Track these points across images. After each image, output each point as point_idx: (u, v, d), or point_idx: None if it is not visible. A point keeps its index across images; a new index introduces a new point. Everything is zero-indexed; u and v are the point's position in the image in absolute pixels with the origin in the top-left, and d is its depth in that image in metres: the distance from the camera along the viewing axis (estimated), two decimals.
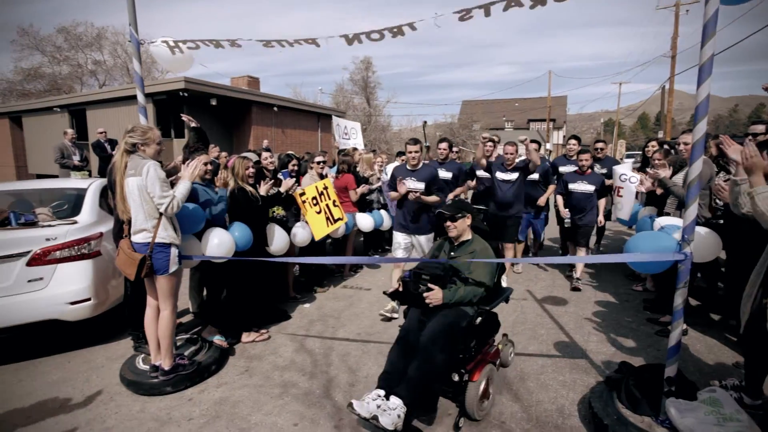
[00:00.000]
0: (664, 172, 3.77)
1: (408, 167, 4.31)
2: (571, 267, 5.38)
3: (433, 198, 4.17)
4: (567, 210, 5.09)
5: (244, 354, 3.54)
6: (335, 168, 5.77)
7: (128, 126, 2.82)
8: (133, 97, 13.58)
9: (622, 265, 5.99)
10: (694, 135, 2.07)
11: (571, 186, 5.09)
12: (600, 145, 5.84)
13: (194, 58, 3.38)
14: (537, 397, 2.85)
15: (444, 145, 5.48)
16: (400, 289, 2.76)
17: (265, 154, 4.13)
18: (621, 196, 4.80)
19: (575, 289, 4.97)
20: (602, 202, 5.16)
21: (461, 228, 2.91)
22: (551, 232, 7.02)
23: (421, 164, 4.27)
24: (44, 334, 3.57)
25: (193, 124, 3.86)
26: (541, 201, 5.61)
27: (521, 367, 3.26)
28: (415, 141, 4.29)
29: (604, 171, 5.45)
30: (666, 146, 4.77)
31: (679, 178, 3.77)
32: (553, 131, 37.36)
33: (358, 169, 5.52)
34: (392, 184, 4.32)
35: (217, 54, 3.35)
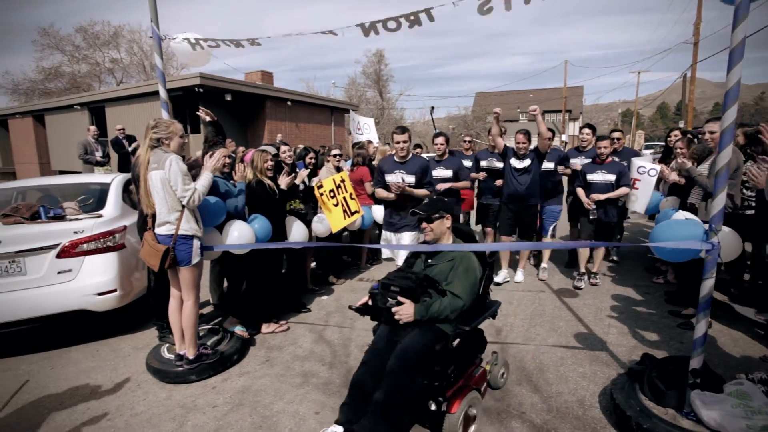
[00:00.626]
0: (688, 163, 3.68)
1: (396, 159, 3.90)
2: (581, 275, 4.85)
3: (423, 192, 3.78)
4: (590, 200, 4.62)
5: (265, 344, 3.61)
6: (350, 161, 5.78)
7: (151, 121, 2.88)
8: (150, 94, 13.78)
9: (641, 258, 5.90)
10: (723, 122, 2.02)
11: (590, 177, 4.71)
12: (617, 134, 5.31)
13: (212, 53, 3.43)
14: (557, 389, 2.84)
15: (441, 140, 5.00)
16: (369, 302, 2.43)
17: (283, 148, 4.17)
18: (637, 189, 4.63)
19: (593, 284, 4.80)
20: (620, 192, 4.61)
21: (439, 231, 2.54)
22: (562, 229, 6.19)
23: (410, 156, 3.89)
24: (73, 324, 3.70)
25: (208, 119, 3.89)
26: (571, 169, 5.03)
27: (540, 359, 3.25)
28: (403, 129, 3.86)
29: (624, 164, 4.98)
30: (689, 135, 4.64)
31: (704, 168, 3.67)
32: (568, 122, 36.69)
33: (374, 162, 5.53)
34: (380, 179, 3.96)
35: (231, 49, 3.35)
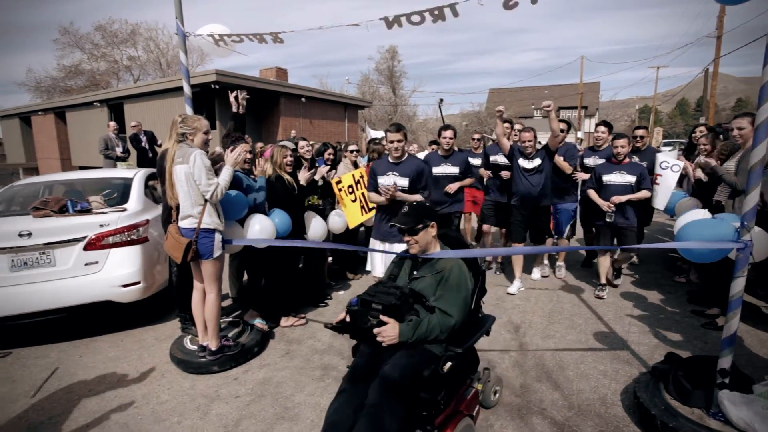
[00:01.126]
0: (713, 161, 3.60)
1: (390, 160, 3.53)
2: (603, 286, 4.54)
3: (416, 197, 3.38)
4: (609, 203, 4.17)
5: (284, 338, 3.66)
6: (366, 157, 5.80)
7: (177, 117, 2.93)
8: (167, 90, 13.99)
9: (662, 257, 5.79)
10: (759, 116, 1.97)
11: (606, 178, 4.25)
12: (640, 132, 4.85)
13: (234, 47, 3.47)
14: (577, 386, 2.82)
15: (449, 133, 4.62)
16: (347, 319, 2.12)
17: (302, 143, 4.20)
18: (658, 184, 4.45)
19: (613, 285, 4.56)
20: (641, 194, 4.20)
21: (425, 241, 2.24)
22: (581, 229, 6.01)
23: (405, 156, 3.52)
24: (98, 314, 3.80)
25: (244, 103, 3.90)
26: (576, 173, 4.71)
27: (560, 356, 3.22)
28: (398, 127, 3.44)
29: (645, 165, 4.53)
30: (715, 131, 4.51)
31: (731, 165, 3.58)
32: (584, 119, 36.07)
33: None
34: (373, 182, 3.58)
35: (246, 46, 3.37)
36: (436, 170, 4.63)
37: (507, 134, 4.81)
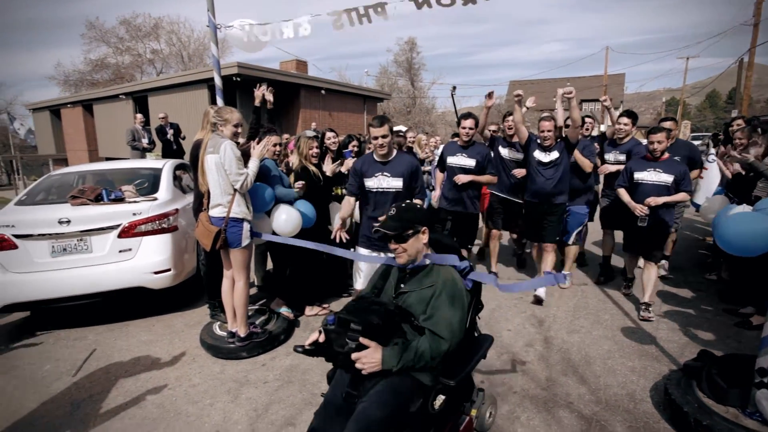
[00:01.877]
0: (751, 156, 3.45)
1: (376, 158, 3.08)
2: (630, 282, 4.29)
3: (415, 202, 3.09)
4: (642, 206, 3.67)
5: (309, 326, 3.73)
6: None
7: (211, 107, 3.00)
8: (190, 83, 14.18)
9: (691, 253, 5.64)
10: None
11: (638, 176, 3.75)
12: (668, 124, 4.21)
13: (263, 41, 3.51)
14: (605, 381, 2.79)
15: (470, 122, 4.02)
16: (321, 339, 1.76)
17: (328, 134, 4.22)
18: (702, 178, 4.27)
19: (643, 319, 3.69)
20: (679, 197, 3.67)
21: (414, 249, 1.89)
22: (594, 235, 5.63)
23: (394, 153, 3.09)
24: (130, 300, 3.94)
25: (260, 91, 4.01)
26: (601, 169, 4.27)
27: (586, 351, 3.19)
28: (381, 120, 2.97)
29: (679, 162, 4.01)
30: (752, 125, 4.33)
31: None
32: (606, 112, 35.00)
33: (415, 151, 5.52)
34: (356, 183, 3.16)
35: (276, 36, 3.39)
36: (451, 160, 4.16)
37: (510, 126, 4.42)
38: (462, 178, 3.97)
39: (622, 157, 4.30)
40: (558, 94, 4.66)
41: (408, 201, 2.00)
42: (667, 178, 3.66)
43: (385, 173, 3.05)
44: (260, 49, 3.69)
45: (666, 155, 3.76)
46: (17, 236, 3.47)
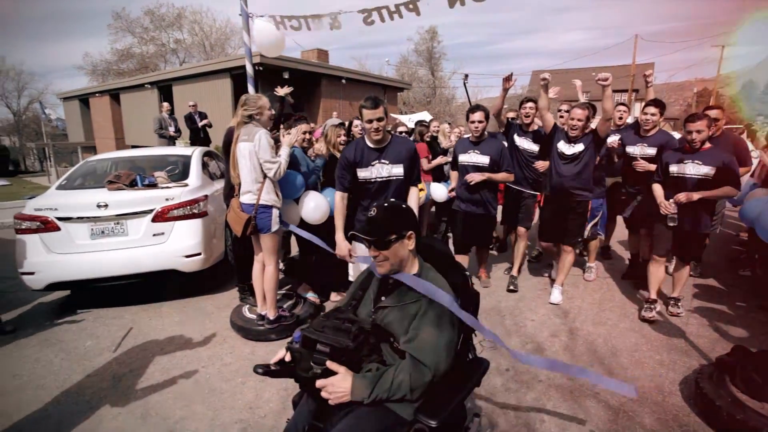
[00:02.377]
0: None
1: (371, 144, 2.78)
2: (650, 283, 3.64)
3: (414, 194, 2.89)
4: (670, 202, 3.33)
5: None
6: (411, 139, 5.81)
7: (242, 99, 3.06)
8: (213, 72, 14.37)
9: (722, 248, 5.48)
10: None
11: (674, 169, 3.38)
12: (714, 113, 3.78)
13: (285, 42, 3.54)
14: (632, 373, 2.78)
15: (479, 115, 3.72)
16: (287, 358, 1.53)
17: (356, 122, 4.25)
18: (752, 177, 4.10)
19: (672, 314, 3.57)
20: (722, 191, 3.25)
21: (398, 257, 1.59)
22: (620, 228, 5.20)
23: (389, 138, 2.81)
24: (163, 282, 4.10)
25: (282, 91, 4.09)
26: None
27: (613, 343, 3.16)
28: (376, 102, 2.61)
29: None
30: None
31: None
32: (634, 102, 33.95)
33: (439, 140, 5.50)
34: (348, 176, 2.87)
35: (295, 27, 3.41)
36: (462, 158, 3.89)
37: (531, 115, 4.11)
38: (474, 177, 3.73)
39: (651, 151, 3.88)
40: (577, 85, 4.49)
41: (392, 200, 1.72)
42: (708, 171, 3.22)
43: (383, 160, 2.76)
44: (280, 52, 3.72)
45: (707, 145, 3.35)
46: (60, 219, 3.64)
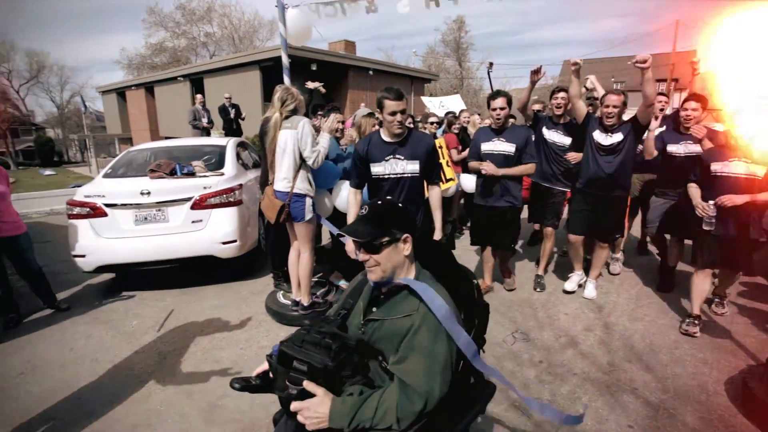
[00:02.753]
0: None
1: (387, 139, 2.68)
2: (692, 297, 3.24)
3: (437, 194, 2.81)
4: (709, 204, 2.95)
5: None
6: (441, 129, 5.76)
7: (279, 93, 3.11)
8: (242, 65, 14.66)
9: None
10: None
11: (715, 167, 3.02)
12: None
13: (312, 31, 3.56)
14: (672, 371, 2.70)
15: (501, 101, 3.42)
16: (268, 371, 1.39)
17: None
18: None
19: (716, 314, 3.38)
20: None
21: (390, 263, 1.40)
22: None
23: (407, 134, 2.68)
24: (200, 268, 4.25)
25: (313, 85, 4.16)
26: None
27: (651, 339, 3.08)
28: (399, 93, 2.55)
29: None
30: None
31: None
32: (674, 93, 32.29)
33: (469, 131, 5.44)
34: (362, 170, 2.79)
35: (326, 18, 3.44)
36: (485, 147, 3.58)
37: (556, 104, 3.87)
38: (488, 169, 3.39)
39: (697, 148, 3.47)
40: (591, 79, 4.24)
41: (387, 198, 1.53)
42: (758, 171, 2.86)
43: (398, 156, 2.65)
44: (306, 41, 3.73)
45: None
46: (107, 205, 3.83)
